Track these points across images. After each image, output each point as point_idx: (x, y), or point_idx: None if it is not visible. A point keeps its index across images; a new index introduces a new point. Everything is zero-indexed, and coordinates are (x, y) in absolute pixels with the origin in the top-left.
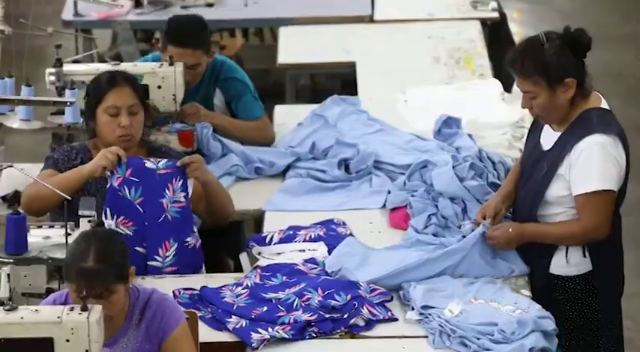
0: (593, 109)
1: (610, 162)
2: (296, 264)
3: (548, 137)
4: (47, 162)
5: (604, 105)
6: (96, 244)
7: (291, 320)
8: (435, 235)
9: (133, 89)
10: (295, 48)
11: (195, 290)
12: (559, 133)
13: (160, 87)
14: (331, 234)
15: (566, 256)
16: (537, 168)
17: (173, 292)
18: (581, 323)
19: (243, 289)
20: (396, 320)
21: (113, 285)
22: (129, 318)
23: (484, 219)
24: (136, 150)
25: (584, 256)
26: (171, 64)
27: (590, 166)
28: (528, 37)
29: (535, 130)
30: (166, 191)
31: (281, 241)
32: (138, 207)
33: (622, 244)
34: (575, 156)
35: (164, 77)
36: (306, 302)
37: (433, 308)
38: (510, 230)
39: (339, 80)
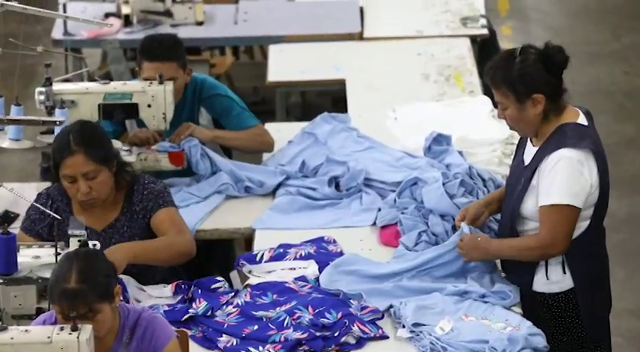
0: (569, 124)
1: (575, 177)
2: (286, 282)
3: (529, 153)
4: (26, 221)
5: (581, 120)
6: (78, 264)
7: (282, 339)
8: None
9: (86, 154)
10: (285, 66)
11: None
12: (537, 148)
13: (149, 105)
14: (322, 252)
15: (546, 273)
16: (518, 183)
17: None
18: (566, 341)
19: (233, 308)
20: (387, 337)
21: (97, 305)
22: (119, 338)
23: (462, 220)
24: (112, 199)
25: (564, 273)
26: (160, 83)
27: (553, 179)
28: (507, 49)
29: (520, 147)
30: None
31: (271, 259)
32: None
33: (607, 259)
34: (543, 169)
35: (154, 96)
36: (297, 321)
37: (424, 325)
38: (479, 239)
39: (330, 97)
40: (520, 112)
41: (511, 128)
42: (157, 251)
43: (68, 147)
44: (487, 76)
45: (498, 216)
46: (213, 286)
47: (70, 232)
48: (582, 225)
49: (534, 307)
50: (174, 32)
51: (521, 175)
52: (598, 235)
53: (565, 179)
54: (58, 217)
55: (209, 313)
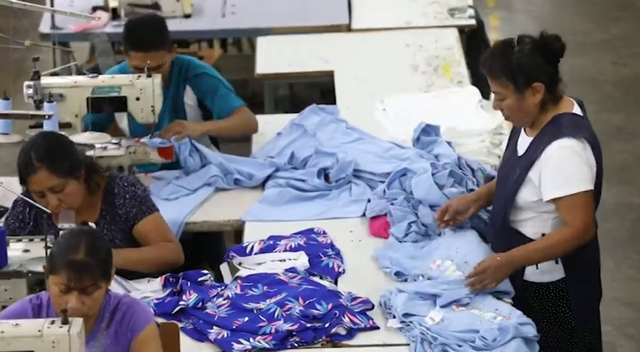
0: (565, 114)
1: (583, 163)
2: (277, 274)
3: (523, 143)
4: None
5: (576, 110)
6: (85, 239)
7: (273, 330)
8: (415, 243)
9: (49, 169)
10: (273, 58)
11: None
12: (532, 138)
13: (138, 98)
14: (311, 244)
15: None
16: (511, 173)
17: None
18: (556, 330)
19: (224, 300)
20: (378, 328)
21: (100, 281)
22: (99, 320)
23: (444, 214)
24: (87, 204)
25: (557, 263)
26: (149, 76)
27: (566, 169)
28: (503, 38)
29: (513, 137)
30: None
31: (261, 251)
32: None
33: (597, 250)
34: (545, 160)
35: (142, 89)
36: (288, 312)
37: (414, 315)
38: (498, 258)
39: (318, 89)
40: (519, 102)
41: (507, 118)
42: (143, 262)
43: (31, 164)
44: (484, 66)
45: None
46: (199, 279)
47: (59, 226)
48: None
49: (525, 296)
50: (152, 12)
51: (516, 165)
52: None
53: (576, 167)
54: (48, 211)
55: (199, 305)
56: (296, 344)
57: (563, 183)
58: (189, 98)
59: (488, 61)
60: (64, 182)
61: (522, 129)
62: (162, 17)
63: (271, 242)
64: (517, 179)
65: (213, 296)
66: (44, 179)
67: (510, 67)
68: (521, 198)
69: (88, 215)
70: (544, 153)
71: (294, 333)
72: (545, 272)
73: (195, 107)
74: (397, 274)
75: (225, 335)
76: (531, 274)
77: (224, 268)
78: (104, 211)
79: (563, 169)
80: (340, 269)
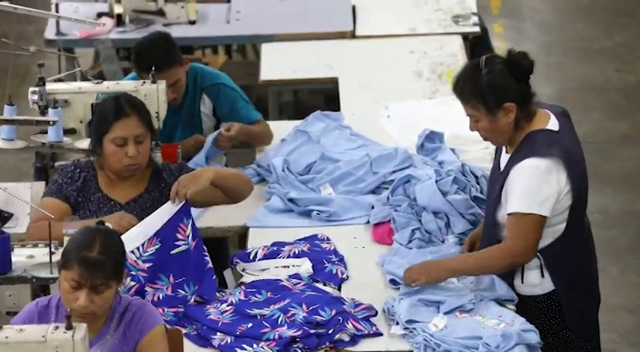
0: (538, 132)
1: (540, 186)
2: (280, 280)
3: (504, 159)
4: (51, 186)
5: (552, 125)
6: (100, 237)
7: (276, 336)
8: (420, 249)
9: (139, 117)
10: (278, 64)
11: (180, 307)
12: (510, 156)
13: None
14: (315, 250)
15: (522, 277)
16: (494, 189)
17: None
18: (551, 342)
19: (227, 306)
20: (381, 334)
21: (111, 280)
22: (109, 321)
23: (471, 249)
24: (141, 173)
25: (542, 276)
26: (153, 82)
27: (519, 188)
28: (471, 61)
29: (497, 152)
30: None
31: (265, 257)
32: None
33: (591, 256)
34: (510, 178)
35: (146, 95)
36: (291, 318)
37: (418, 322)
38: (430, 261)
39: (322, 96)
40: (493, 123)
41: (484, 139)
42: (237, 177)
43: (122, 110)
44: (455, 90)
45: None
46: None
47: (64, 232)
48: (558, 229)
49: (519, 308)
50: (166, 31)
51: (497, 182)
52: (578, 234)
53: (530, 188)
54: (52, 216)
55: (192, 300)
56: (299, 350)
57: (514, 201)
58: (206, 107)
59: (459, 85)
60: (146, 134)
61: (503, 146)
62: (169, 34)
63: (275, 248)
64: (495, 198)
65: (218, 301)
66: (134, 125)
67: (480, 89)
68: (500, 216)
69: (135, 188)
70: (511, 171)
71: (297, 339)
72: (536, 286)
73: (211, 116)
74: (392, 282)
75: (229, 341)
76: (520, 287)
77: (228, 274)
78: (150, 187)
79: (523, 188)
80: (344, 276)
